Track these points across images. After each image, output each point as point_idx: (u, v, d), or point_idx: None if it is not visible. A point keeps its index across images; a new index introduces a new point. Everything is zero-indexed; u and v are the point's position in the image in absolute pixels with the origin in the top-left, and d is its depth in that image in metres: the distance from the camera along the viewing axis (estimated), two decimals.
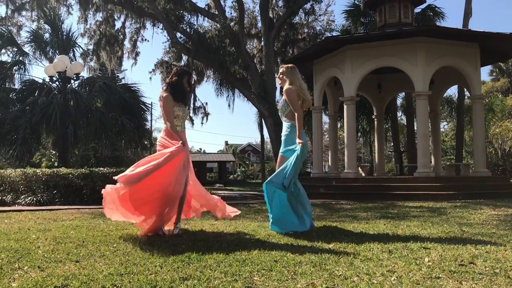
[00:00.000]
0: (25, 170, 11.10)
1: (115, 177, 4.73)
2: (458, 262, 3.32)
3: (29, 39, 16.78)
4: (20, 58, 16.26)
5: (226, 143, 66.72)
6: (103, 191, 4.98)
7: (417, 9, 17.70)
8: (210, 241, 4.40)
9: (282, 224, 5.07)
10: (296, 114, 5.16)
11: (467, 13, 17.26)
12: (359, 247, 3.98)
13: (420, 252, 3.72)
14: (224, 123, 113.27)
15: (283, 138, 5.31)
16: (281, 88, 5.38)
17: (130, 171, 4.80)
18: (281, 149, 5.30)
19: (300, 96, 5.19)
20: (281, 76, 5.35)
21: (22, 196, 10.41)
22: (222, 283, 2.82)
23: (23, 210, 8.70)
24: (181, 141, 4.90)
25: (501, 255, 3.56)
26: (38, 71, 75.10)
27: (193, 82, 22.85)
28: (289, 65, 5.43)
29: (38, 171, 10.93)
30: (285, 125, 5.30)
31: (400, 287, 2.71)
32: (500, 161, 32.24)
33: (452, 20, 73.30)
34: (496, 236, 4.64)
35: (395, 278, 2.89)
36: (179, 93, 5.16)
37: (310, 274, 3.02)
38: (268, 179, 5.10)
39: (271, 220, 5.17)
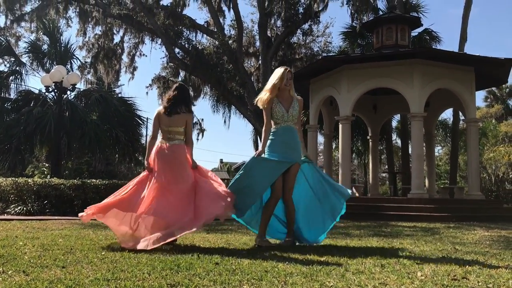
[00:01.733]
0: (16, 179, 10.99)
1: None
2: (451, 277, 3.28)
3: (27, 50, 16.85)
4: (17, 68, 16.32)
5: (221, 161, 66.50)
6: None
7: (414, 33, 17.92)
8: (200, 251, 4.33)
9: None
10: (300, 126, 5.30)
11: (463, 38, 17.50)
12: (351, 261, 3.93)
13: (412, 267, 3.68)
14: (220, 140, 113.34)
15: (296, 144, 5.05)
16: (288, 92, 5.12)
17: None
18: (299, 157, 5.05)
19: None
20: (291, 82, 5.14)
21: (12, 206, 10.30)
22: None
23: (12, 219, 8.59)
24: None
25: (494, 271, 3.52)
26: (35, 81, 75.21)
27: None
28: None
29: (29, 180, 10.83)
30: (296, 132, 5.11)
31: None
32: (493, 186, 32.31)
33: (448, 45, 74.57)
34: (489, 254, 4.60)
35: None
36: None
37: (301, 285, 2.97)
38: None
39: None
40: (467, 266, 3.72)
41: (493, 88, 39.30)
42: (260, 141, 5.58)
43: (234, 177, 5.03)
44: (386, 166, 25.01)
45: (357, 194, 15.85)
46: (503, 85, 38.11)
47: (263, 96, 5.14)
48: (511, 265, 3.89)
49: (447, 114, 45.99)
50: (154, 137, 5.12)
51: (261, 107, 5.21)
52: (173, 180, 4.87)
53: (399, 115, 20.78)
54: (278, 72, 5.09)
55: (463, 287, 2.95)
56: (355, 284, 3.00)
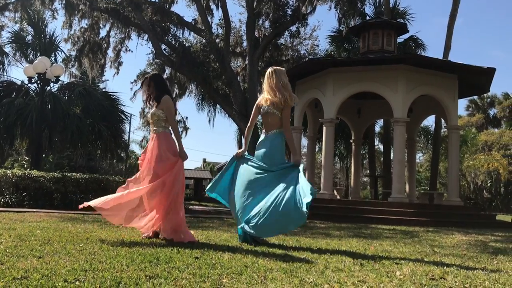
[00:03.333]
0: None
1: None
2: (429, 276, 3.31)
3: (10, 40, 16.52)
4: None
5: (204, 160, 66.22)
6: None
7: (400, 39, 18.12)
8: (180, 246, 4.30)
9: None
10: None
11: (448, 46, 17.72)
12: (331, 259, 3.95)
13: (391, 267, 3.71)
14: (203, 140, 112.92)
15: None
16: None
17: None
18: None
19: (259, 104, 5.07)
20: None
21: None
22: (189, 283, 2.74)
23: None
24: None
25: (471, 273, 3.57)
26: (18, 72, 73.98)
27: (174, 96, 22.79)
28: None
29: (8, 172, 10.63)
30: None
31: None
32: (472, 194, 32.87)
33: (432, 53, 75.21)
34: (467, 257, 4.67)
35: None
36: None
37: (280, 280, 2.96)
38: None
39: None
40: (445, 267, 3.77)
41: (475, 98, 40.06)
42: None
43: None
44: (368, 170, 25.21)
45: (338, 197, 15.94)
46: (485, 95, 38.89)
47: (293, 93, 5.11)
48: (488, 267, 3.95)
49: (429, 121, 46.64)
50: None
51: (293, 104, 5.16)
52: None
53: (382, 120, 21.00)
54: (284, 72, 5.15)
55: (441, 287, 2.98)
56: (335, 281, 3.01)
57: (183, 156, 4.89)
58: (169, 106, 4.93)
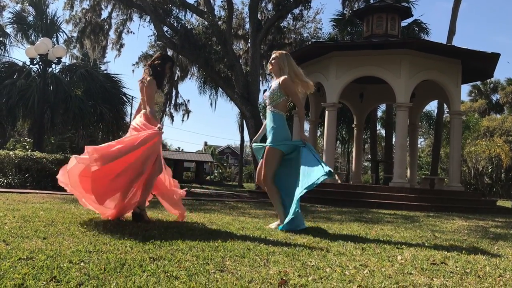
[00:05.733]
0: None
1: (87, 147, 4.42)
2: (430, 261, 3.34)
3: (12, 20, 16.41)
4: (1, 39, 15.91)
5: (206, 143, 66.51)
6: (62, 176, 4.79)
7: (404, 23, 17.95)
8: (183, 228, 4.34)
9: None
10: (297, 107, 5.20)
11: (452, 31, 17.58)
12: (332, 243, 3.98)
13: (393, 251, 3.74)
14: (205, 123, 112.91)
15: (271, 128, 4.93)
16: (270, 75, 5.33)
17: (105, 148, 4.57)
18: (271, 141, 4.89)
19: (298, 84, 4.99)
20: (273, 61, 5.10)
21: None
22: (193, 265, 2.77)
23: None
24: (158, 125, 4.74)
25: (472, 258, 3.60)
26: (19, 53, 73.81)
27: (176, 78, 22.74)
28: (283, 51, 5.20)
29: (11, 153, 10.67)
30: (276, 115, 4.95)
31: (372, 279, 2.70)
32: (472, 180, 32.95)
33: (436, 37, 74.86)
34: (467, 242, 4.70)
35: (368, 272, 2.88)
36: (161, 79, 5.07)
37: (283, 263, 2.99)
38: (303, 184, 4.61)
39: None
40: (446, 252, 3.80)
41: (478, 83, 39.83)
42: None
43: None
44: (369, 155, 25.24)
45: (339, 181, 15.97)
46: (488, 81, 38.66)
47: None
48: (488, 252, 3.98)
49: (432, 106, 46.51)
50: None
51: None
52: None
53: (384, 105, 20.94)
54: None
55: (442, 271, 3.01)
56: (336, 265, 3.04)
57: None
58: None
